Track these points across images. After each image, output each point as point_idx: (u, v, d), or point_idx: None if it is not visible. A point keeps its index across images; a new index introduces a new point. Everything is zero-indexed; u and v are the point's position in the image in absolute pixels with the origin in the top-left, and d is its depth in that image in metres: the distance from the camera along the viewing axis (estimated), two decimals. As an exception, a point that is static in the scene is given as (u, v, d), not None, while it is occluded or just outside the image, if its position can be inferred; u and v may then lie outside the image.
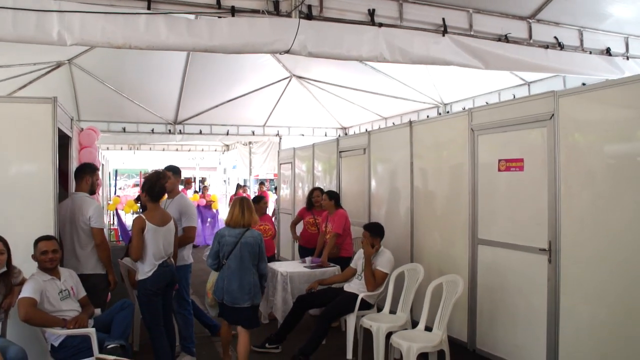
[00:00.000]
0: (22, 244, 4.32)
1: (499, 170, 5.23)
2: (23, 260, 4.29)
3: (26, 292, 4.01)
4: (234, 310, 4.83)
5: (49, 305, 4.16)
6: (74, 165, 5.86)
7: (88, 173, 5.27)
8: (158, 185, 4.85)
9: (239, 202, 5.01)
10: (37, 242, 4.30)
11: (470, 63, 5.57)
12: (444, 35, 5.39)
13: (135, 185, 24.59)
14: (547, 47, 5.85)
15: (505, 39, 5.65)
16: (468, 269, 5.55)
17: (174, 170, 5.60)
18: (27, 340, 4.12)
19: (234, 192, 15.81)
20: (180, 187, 5.86)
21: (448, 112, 9.22)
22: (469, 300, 5.53)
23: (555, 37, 5.89)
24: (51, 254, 4.28)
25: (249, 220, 4.90)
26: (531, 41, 5.78)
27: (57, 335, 4.09)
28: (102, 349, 4.04)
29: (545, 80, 7.34)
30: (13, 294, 4.10)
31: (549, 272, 4.64)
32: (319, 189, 7.61)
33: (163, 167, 5.67)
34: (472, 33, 5.53)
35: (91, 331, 4.10)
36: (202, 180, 20.45)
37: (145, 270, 4.73)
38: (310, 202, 7.47)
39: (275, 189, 12.36)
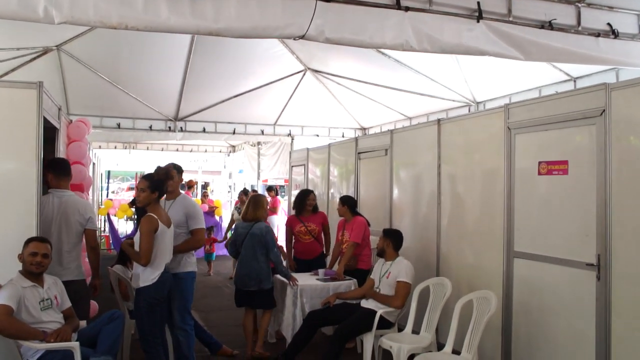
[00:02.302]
0: (-1, 245, 4.29)
1: (539, 173, 5.11)
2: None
3: (1, 298, 3.95)
4: (245, 293, 6.04)
5: (27, 315, 4.10)
6: (61, 160, 5.83)
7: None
8: (166, 183, 4.97)
9: (249, 199, 6.40)
10: (29, 241, 4.29)
11: (508, 53, 5.48)
12: (478, 21, 5.32)
13: (131, 188, 24.69)
14: (598, 35, 5.73)
15: (549, 25, 5.54)
16: (502, 285, 5.43)
17: (178, 169, 5.61)
18: (-1, 356, 4.07)
19: (237, 198, 15.82)
20: (182, 192, 5.83)
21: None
22: (503, 320, 5.40)
23: (609, 24, 5.77)
24: (40, 257, 4.25)
25: (253, 215, 6.10)
26: (580, 28, 5.66)
27: (34, 350, 4.02)
28: (86, 366, 3.97)
29: (594, 75, 7.20)
30: (-14, 301, 4.05)
31: (597, 291, 4.50)
32: (312, 191, 7.57)
33: (165, 164, 5.65)
34: (510, 19, 5.44)
35: (74, 345, 4.04)
36: (205, 185, 20.47)
37: (151, 276, 4.70)
38: (301, 207, 7.28)
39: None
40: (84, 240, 5.26)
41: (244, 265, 6.01)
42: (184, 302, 5.35)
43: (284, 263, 6.54)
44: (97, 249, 5.37)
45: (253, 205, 6.14)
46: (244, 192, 11.45)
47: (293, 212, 7.56)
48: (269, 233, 6.08)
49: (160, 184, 4.85)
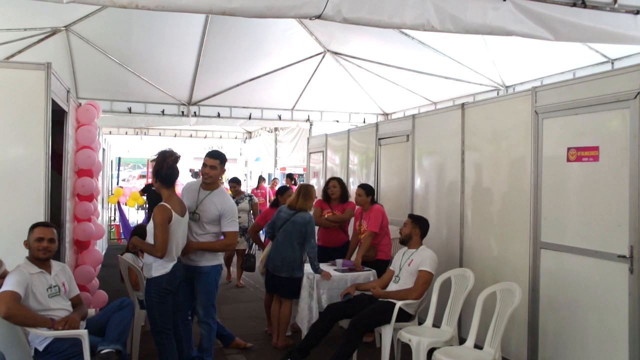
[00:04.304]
0: (6, 232, 4.41)
1: (568, 160, 5.11)
2: (7, 251, 4.37)
3: (9, 285, 4.05)
4: (274, 278, 6.31)
5: (34, 302, 4.20)
6: (70, 144, 5.93)
7: None
8: (166, 166, 4.85)
9: (299, 188, 6.55)
10: (34, 227, 4.38)
11: (537, 33, 5.40)
12: (504, 0, 5.28)
13: (142, 176, 24.88)
14: (637, 12, 5.64)
15: (581, 3, 5.45)
16: (528, 278, 5.44)
17: (222, 160, 5.46)
18: (6, 343, 4.10)
19: (255, 186, 15.89)
20: (194, 180, 5.80)
21: (510, 95, 9.07)
22: (529, 315, 5.42)
23: (650, -1, 5.68)
24: (47, 242, 4.34)
25: (302, 205, 6.31)
26: (616, 6, 5.54)
27: (42, 337, 4.13)
28: (94, 355, 4.06)
29: (636, 56, 7.06)
30: (-7, 287, 4.17)
31: (630, 284, 4.50)
32: (337, 179, 7.56)
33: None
34: (539, -4, 5.39)
35: (83, 333, 4.13)
36: (220, 174, 20.58)
37: (164, 267, 4.71)
38: (327, 194, 7.39)
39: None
40: None
41: (279, 250, 6.25)
42: (209, 296, 5.37)
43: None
44: None
45: (303, 196, 6.34)
46: (235, 180, 10.78)
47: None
48: (310, 224, 6.26)
49: (157, 171, 4.88)
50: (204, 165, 5.36)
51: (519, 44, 6.93)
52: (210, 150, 5.53)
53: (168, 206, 4.69)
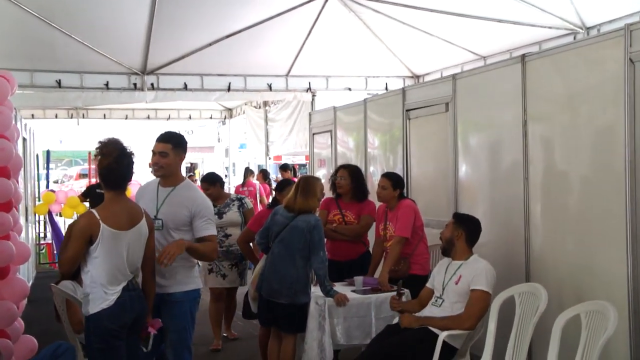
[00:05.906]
0: None
1: (683, 127, 5.06)
2: None
3: None
4: (270, 306, 6.18)
5: None
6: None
7: None
8: (109, 159, 4.72)
9: (297, 182, 6.51)
10: None
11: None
12: None
13: (82, 175, 24.93)
14: None
15: None
16: (628, 295, 5.32)
17: (175, 142, 5.41)
18: None
19: (241, 182, 15.85)
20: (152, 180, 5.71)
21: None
22: (631, 346, 5.30)
23: None
24: None
25: (302, 205, 6.14)
26: None
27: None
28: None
29: None
30: None
31: None
32: (347, 167, 7.59)
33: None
34: None
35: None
36: (191, 168, 20.65)
37: (103, 298, 4.63)
38: (333, 188, 7.43)
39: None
40: None
41: (275, 267, 6.16)
42: (182, 335, 5.36)
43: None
44: None
45: (303, 192, 6.20)
46: (208, 179, 9.00)
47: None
48: (317, 230, 6.13)
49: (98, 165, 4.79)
50: (153, 153, 5.33)
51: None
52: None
53: (96, 215, 4.59)
